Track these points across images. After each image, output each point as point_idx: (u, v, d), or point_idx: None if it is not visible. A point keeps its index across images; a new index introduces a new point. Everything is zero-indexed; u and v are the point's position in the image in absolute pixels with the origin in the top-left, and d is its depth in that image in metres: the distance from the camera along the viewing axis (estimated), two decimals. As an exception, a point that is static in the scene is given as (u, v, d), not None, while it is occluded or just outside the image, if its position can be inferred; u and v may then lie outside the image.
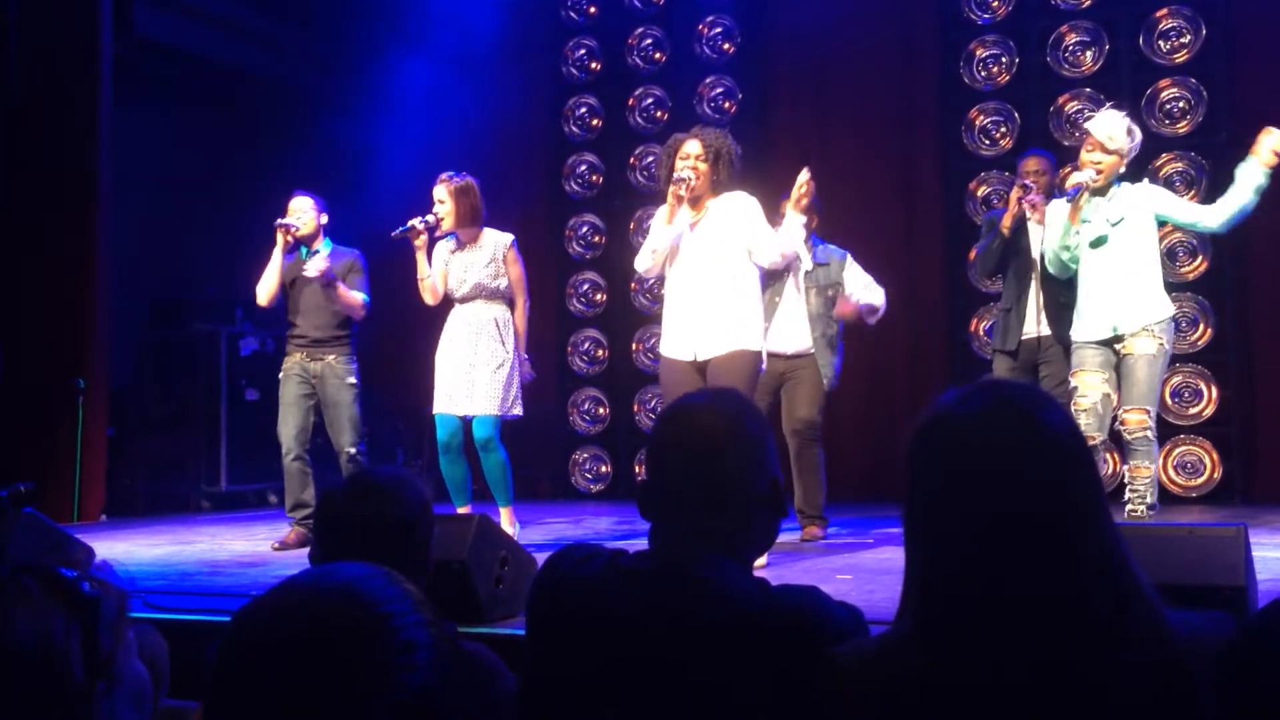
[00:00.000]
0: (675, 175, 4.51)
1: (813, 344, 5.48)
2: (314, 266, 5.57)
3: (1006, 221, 5.22)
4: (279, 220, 5.62)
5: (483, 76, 8.44)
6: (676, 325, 4.54)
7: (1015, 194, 5.18)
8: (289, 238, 5.59)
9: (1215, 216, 4.63)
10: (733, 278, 4.50)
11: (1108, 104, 5.30)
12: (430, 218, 5.17)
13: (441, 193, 5.21)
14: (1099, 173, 4.54)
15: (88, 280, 7.24)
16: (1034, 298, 5.23)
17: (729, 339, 4.44)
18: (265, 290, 5.66)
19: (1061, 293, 5.10)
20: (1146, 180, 4.82)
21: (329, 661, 0.87)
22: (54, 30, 7.28)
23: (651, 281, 4.77)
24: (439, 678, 0.90)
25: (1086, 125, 4.70)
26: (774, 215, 4.84)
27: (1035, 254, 5.18)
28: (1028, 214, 5.19)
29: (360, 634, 0.89)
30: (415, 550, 2.11)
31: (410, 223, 5.14)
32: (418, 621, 0.92)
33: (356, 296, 5.61)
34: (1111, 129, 4.57)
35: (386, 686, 0.88)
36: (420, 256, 5.17)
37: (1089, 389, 4.54)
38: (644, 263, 4.66)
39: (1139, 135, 4.66)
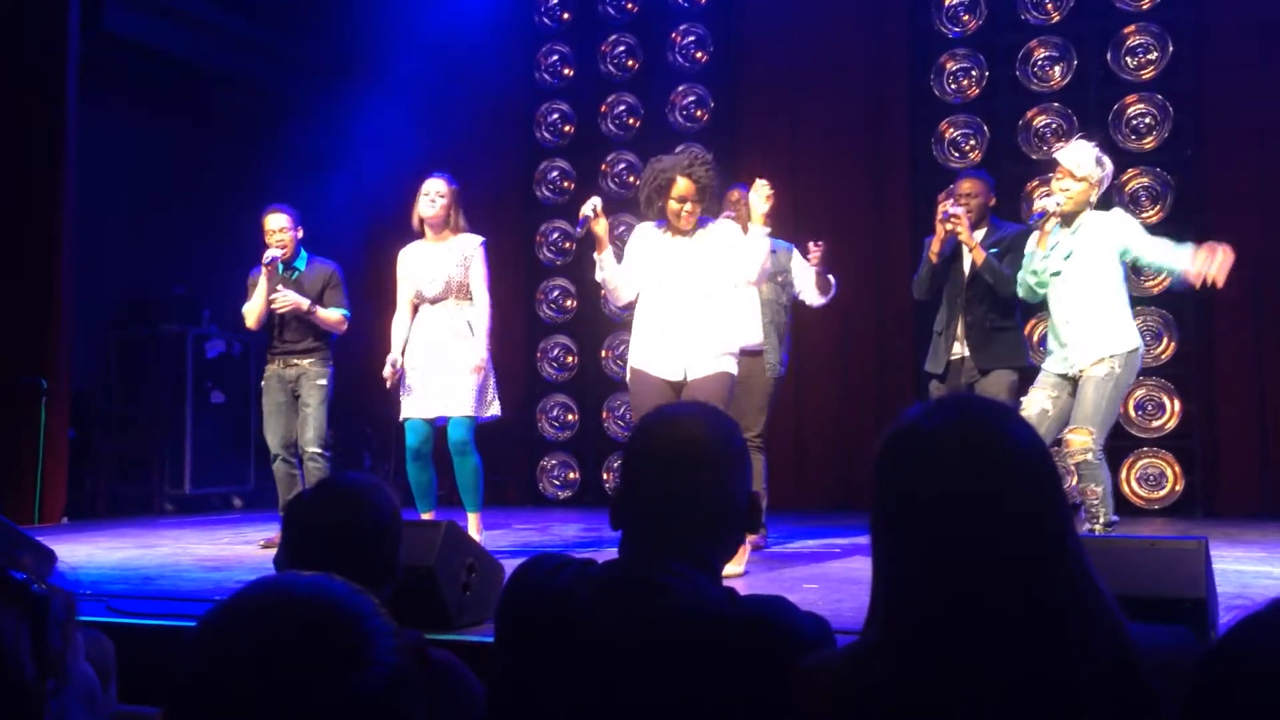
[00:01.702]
0: (588, 211, 4.60)
1: (764, 334, 5.41)
2: (283, 300, 5.67)
3: (934, 246, 5.22)
4: (267, 255, 5.72)
5: (455, 81, 8.43)
6: (662, 344, 4.58)
7: (939, 219, 5.14)
8: (276, 266, 5.72)
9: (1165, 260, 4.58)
10: (722, 304, 4.62)
11: (1079, 135, 5.31)
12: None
13: (442, 186, 5.24)
14: (1067, 198, 4.59)
15: (52, 279, 7.15)
16: (961, 322, 5.23)
17: (715, 362, 4.56)
18: (254, 315, 5.81)
19: (988, 318, 5.10)
20: (1119, 210, 4.82)
21: (307, 659, 0.89)
22: (21, 26, 7.20)
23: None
24: (410, 668, 0.92)
25: (1056, 155, 4.74)
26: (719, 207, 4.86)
27: (967, 278, 5.19)
28: (959, 235, 5.11)
29: (333, 629, 0.91)
30: (384, 556, 2.10)
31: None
32: (380, 614, 0.95)
33: (335, 314, 5.79)
34: (1079, 157, 4.62)
35: (364, 673, 0.89)
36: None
37: (1029, 404, 4.59)
38: (612, 292, 4.76)
39: (1110, 165, 4.69)
